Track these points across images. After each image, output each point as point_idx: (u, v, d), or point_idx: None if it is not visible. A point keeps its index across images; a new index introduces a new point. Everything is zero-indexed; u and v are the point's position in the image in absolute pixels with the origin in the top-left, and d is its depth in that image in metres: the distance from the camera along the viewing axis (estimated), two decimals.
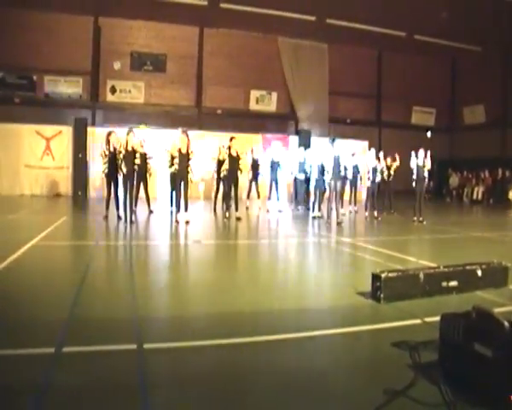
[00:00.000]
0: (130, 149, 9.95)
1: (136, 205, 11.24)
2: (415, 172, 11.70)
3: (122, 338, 3.42)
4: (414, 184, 11.79)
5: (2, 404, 2.46)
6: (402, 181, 14.78)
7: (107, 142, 10.48)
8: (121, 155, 9.91)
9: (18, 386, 2.63)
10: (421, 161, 11.64)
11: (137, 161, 10.11)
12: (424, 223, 11.52)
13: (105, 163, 10.42)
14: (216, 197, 13.44)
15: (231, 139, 11.50)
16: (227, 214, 11.33)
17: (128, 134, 10.10)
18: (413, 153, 11.71)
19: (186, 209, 10.27)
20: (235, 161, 11.21)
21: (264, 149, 19.52)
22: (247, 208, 13.84)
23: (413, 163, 11.70)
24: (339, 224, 10.99)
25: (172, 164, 10.54)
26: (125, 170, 9.87)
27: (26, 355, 3.06)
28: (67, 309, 4.01)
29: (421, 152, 11.70)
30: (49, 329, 3.55)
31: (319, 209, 12.36)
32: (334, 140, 11.17)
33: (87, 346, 3.22)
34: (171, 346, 3.33)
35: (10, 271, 5.46)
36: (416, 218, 11.78)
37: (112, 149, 10.38)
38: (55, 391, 2.61)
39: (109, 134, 10.62)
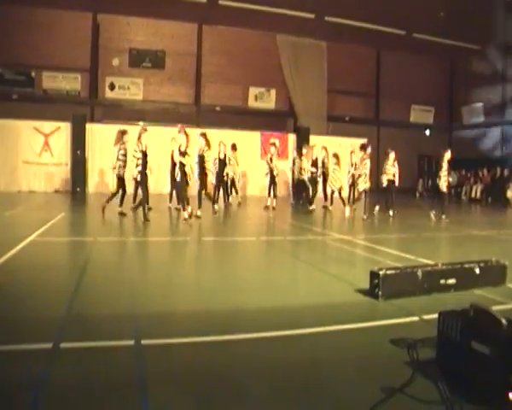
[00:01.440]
0: (144, 148, 9.63)
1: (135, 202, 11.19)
2: (446, 172, 11.65)
3: (120, 334, 3.42)
4: (440, 184, 11.75)
5: (1, 400, 2.46)
6: (402, 180, 14.75)
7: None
8: (139, 155, 9.57)
9: (16, 382, 2.62)
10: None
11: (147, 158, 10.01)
12: (446, 220, 11.41)
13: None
14: (215, 195, 13.43)
15: (220, 143, 12.27)
16: (216, 207, 11.64)
17: (142, 133, 9.67)
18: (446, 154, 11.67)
19: (184, 208, 10.23)
20: (222, 163, 12.35)
21: (262, 146, 19.52)
22: (239, 204, 13.94)
23: (444, 164, 11.63)
24: (348, 220, 11.27)
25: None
26: (140, 168, 9.56)
27: (24, 351, 3.06)
28: (65, 305, 4.01)
29: (449, 153, 11.65)
30: (47, 324, 3.54)
31: (326, 206, 12.50)
32: (367, 146, 11.45)
33: (85, 342, 3.22)
34: (170, 342, 3.33)
35: (8, 267, 5.46)
36: (434, 213, 11.78)
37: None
38: (52, 387, 2.61)
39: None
